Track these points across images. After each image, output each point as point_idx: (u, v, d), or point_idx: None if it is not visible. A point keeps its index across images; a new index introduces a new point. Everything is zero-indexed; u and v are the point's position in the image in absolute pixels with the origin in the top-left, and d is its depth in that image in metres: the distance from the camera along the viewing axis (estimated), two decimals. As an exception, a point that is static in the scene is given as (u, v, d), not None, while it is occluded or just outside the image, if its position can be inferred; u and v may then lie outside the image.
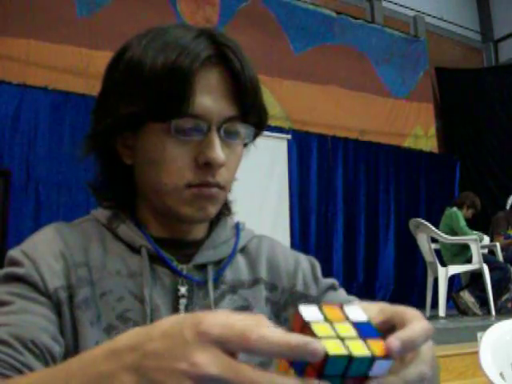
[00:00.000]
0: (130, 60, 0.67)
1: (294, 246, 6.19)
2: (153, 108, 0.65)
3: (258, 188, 5.70)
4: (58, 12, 5.25)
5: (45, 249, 0.67)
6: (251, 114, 0.68)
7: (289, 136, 6.37)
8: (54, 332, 0.62)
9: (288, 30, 6.77)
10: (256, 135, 0.73)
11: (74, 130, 4.84)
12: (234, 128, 0.68)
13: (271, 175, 6.12)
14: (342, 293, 0.82)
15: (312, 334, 0.38)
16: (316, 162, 6.64)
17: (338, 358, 0.37)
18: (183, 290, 0.70)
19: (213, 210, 0.70)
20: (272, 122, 6.18)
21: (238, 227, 0.79)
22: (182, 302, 0.69)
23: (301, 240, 6.35)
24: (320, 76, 6.91)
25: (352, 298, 0.81)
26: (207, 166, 0.66)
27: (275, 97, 6.54)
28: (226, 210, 0.78)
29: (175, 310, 0.69)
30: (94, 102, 0.72)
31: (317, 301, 0.78)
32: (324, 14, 7.04)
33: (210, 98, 0.65)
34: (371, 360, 0.38)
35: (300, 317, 0.40)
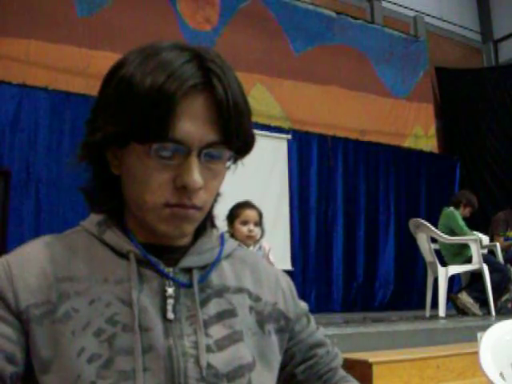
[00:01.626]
0: (122, 78, 0.69)
1: (293, 246, 6.19)
2: (134, 130, 0.67)
3: (258, 188, 5.70)
4: (57, 12, 5.26)
5: (27, 264, 0.69)
6: (234, 139, 0.70)
7: (289, 136, 6.37)
8: (12, 352, 0.65)
9: (288, 30, 6.77)
10: (239, 158, 0.75)
11: (73, 129, 4.84)
12: (216, 152, 0.69)
13: (271, 175, 6.12)
14: (312, 326, 0.86)
15: None
16: (316, 162, 6.64)
17: None
18: (170, 290, 0.71)
19: (189, 228, 0.72)
20: (272, 122, 6.18)
21: (222, 237, 0.82)
22: (170, 301, 0.71)
23: (301, 240, 6.35)
24: (320, 76, 6.91)
25: (321, 330, 0.87)
26: (184, 188, 0.68)
27: (275, 97, 6.54)
28: (210, 223, 0.81)
29: (163, 310, 0.70)
30: (90, 112, 0.74)
31: (293, 325, 0.82)
32: (324, 14, 7.05)
33: (192, 123, 0.67)
34: None
35: None
